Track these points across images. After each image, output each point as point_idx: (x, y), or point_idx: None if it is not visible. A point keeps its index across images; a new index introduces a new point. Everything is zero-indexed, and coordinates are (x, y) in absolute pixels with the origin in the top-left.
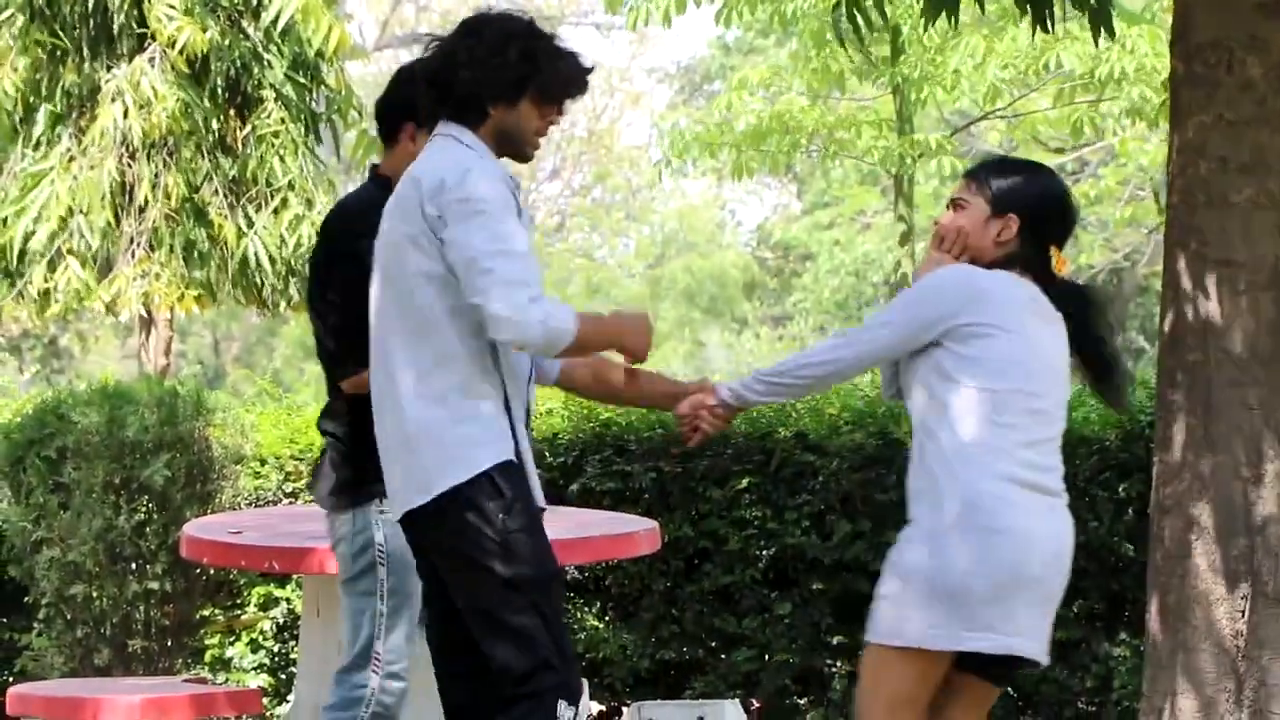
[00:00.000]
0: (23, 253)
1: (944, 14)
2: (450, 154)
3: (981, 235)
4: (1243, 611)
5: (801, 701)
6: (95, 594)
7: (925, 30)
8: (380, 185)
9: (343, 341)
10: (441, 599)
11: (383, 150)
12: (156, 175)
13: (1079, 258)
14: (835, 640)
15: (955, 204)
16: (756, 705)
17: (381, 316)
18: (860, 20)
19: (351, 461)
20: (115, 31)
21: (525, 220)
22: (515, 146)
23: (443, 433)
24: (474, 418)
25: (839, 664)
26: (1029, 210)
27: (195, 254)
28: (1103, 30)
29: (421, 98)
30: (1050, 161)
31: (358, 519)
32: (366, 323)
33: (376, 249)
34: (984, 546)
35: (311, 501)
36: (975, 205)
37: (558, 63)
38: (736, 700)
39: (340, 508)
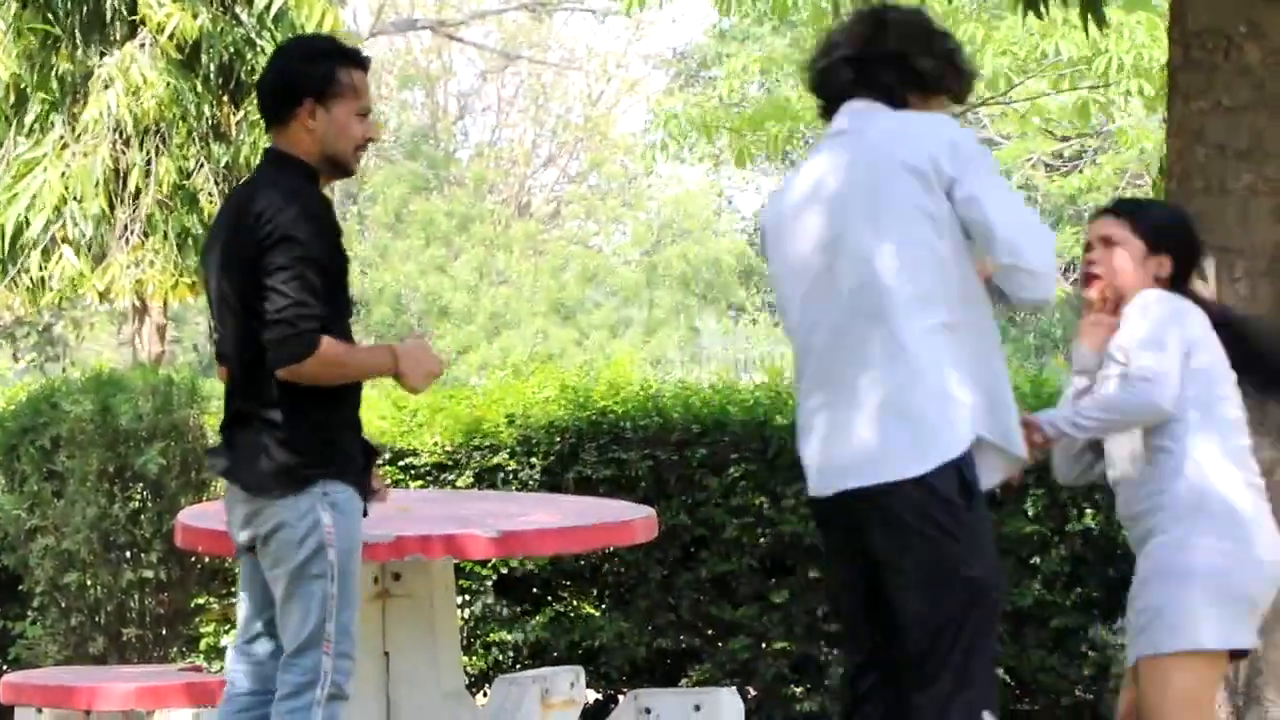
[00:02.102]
0: (16, 240)
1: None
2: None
3: (1137, 277)
4: None
5: (798, 690)
6: (89, 582)
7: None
8: (292, 169)
9: (284, 324)
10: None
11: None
12: (149, 162)
13: (1074, 248)
14: (832, 628)
15: (1105, 241)
16: (753, 693)
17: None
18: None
19: (290, 446)
20: (107, 18)
21: None
22: None
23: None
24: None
25: (836, 652)
26: (1176, 244)
27: (189, 241)
28: (1091, 17)
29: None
30: (1052, 148)
31: (300, 503)
32: (308, 307)
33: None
34: (1244, 546)
35: None
36: (1131, 244)
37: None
38: (733, 688)
39: (278, 494)
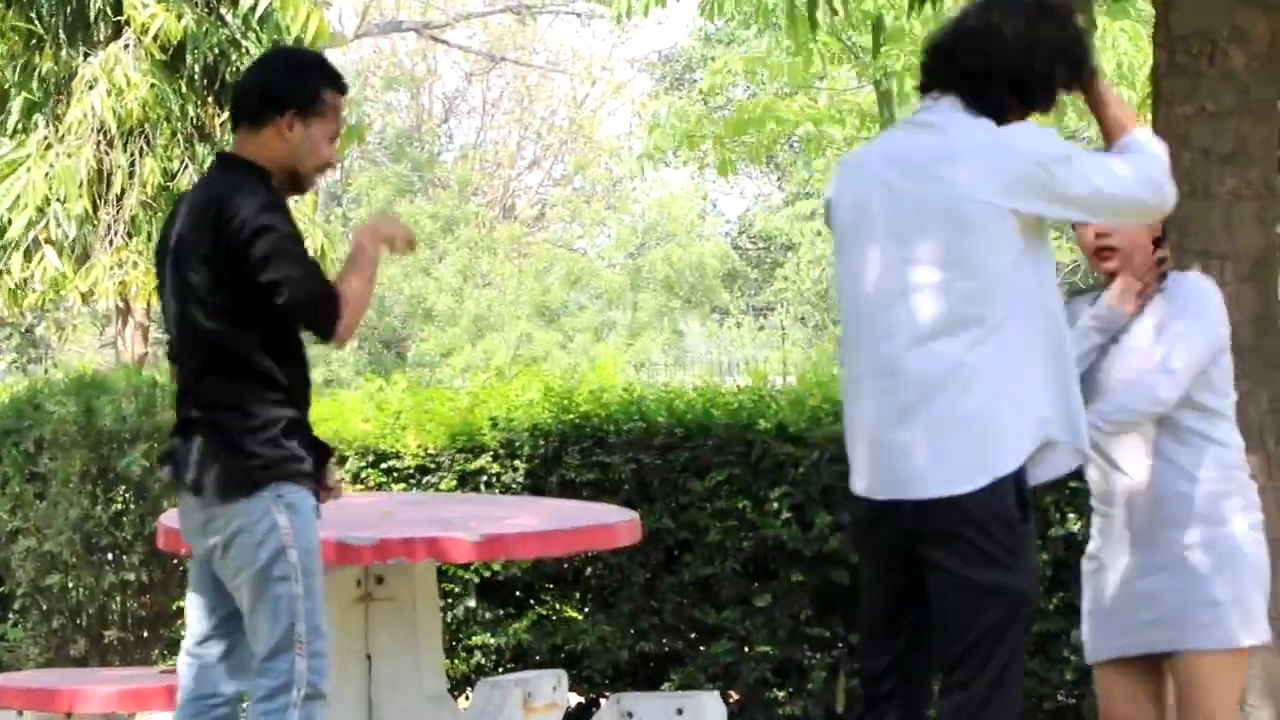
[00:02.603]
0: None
1: (929, 2)
2: None
3: (1144, 231)
4: None
5: (780, 694)
6: (71, 584)
7: (908, 18)
8: (247, 171)
9: (307, 303)
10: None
11: (247, 134)
12: (133, 163)
13: (1055, 253)
14: (815, 632)
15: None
16: (736, 697)
17: None
18: (837, 5)
19: (240, 450)
20: (91, 18)
21: None
22: None
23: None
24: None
25: (819, 656)
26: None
27: None
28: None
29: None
30: None
31: (255, 507)
32: (310, 271)
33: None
34: (1261, 542)
35: None
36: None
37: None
38: (716, 692)
39: (231, 498)
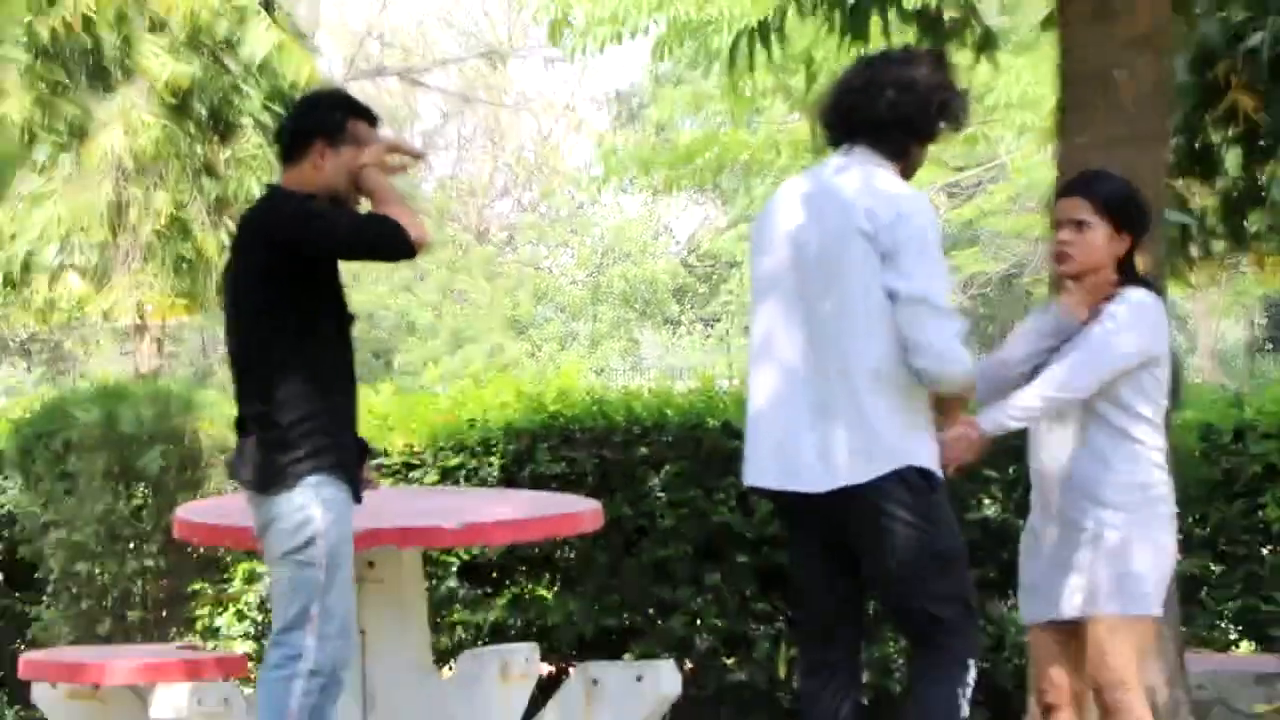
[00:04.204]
0: (27, 266)
1: (856, 43)
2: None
3: (1105, 254)
4: None
5: (729, 661)
6: (97, 570)
7: (839, 58)
8: (285, 193)
9: (378, 241)
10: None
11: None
12: (147, 196)
13: (971, 266)
14: (759, 607)
15: (1074, 224)
16: (690, 665)
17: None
18: (761, 49)
19: (283, 445)
20: (109, 67)
21: None
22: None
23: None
24: None
25: (763, 628)
26: (1136, 225)
27: (183, 266)
28: (987, 59)
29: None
30: (949, 179)
31: (294, 499)
32: (361, 219)
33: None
34: (1168, 528)
35: None
36: (1099, 226)
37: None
38: (672, 661)
39: (273, 490)
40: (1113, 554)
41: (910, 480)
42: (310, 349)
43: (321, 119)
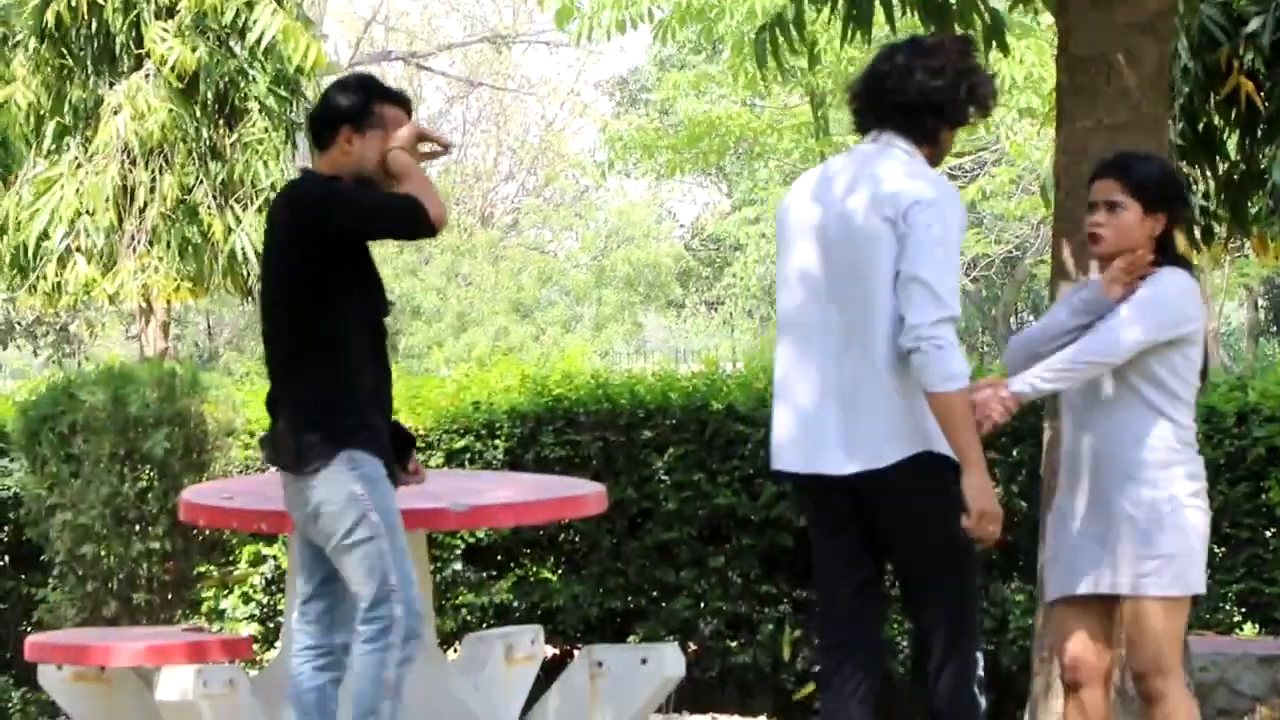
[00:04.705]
0: (36, 250)
1: (859, 33)
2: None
3: (1138, 235)
4: None
5: (733, 644)
6: (103, 553)
7: (843, 46)
8: (312, 176)
9: (401, 219)
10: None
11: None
12: (154, 180)
13: (973, 248)
14: (763, 590)
15: (1108, 205)
16: (693, 648)
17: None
18: (782, 40)
19: (312, 425)
20: (116, 51)
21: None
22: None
23: None
24: None
25: (766, 610)
26: (1171, 204)
27: (189, 250)
28: (995, 44)
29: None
30: (951, 162)
31: (332, 479)
32: (381, 199)
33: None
34: (1201, 507)
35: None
36: (1131, 207)
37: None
38: (675, 643)
39: (310, 470)
40: (1145, 534)
41: (931, 465)
42: (337, 330)
43: (346, 104)
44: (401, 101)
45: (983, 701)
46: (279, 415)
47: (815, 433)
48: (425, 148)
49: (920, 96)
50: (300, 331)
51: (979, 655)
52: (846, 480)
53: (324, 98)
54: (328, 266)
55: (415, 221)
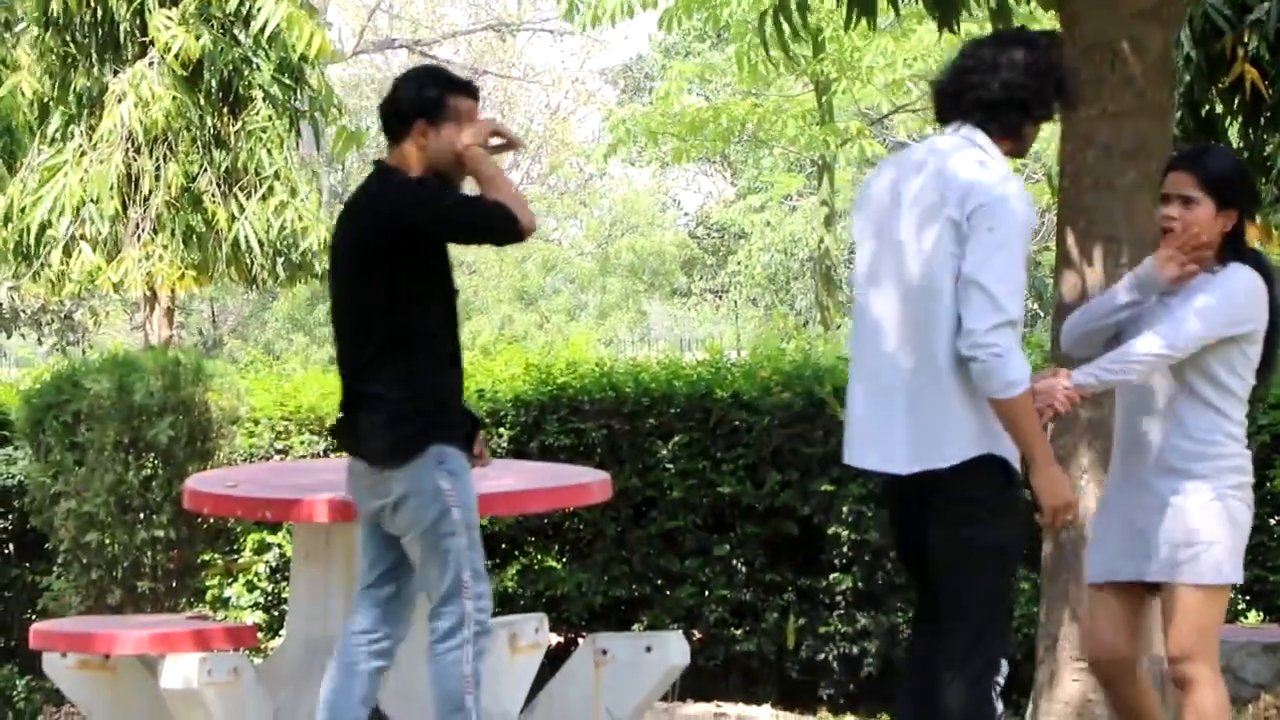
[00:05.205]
0: (40, 238)
1: (864, 19)
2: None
3: (1212, 231)
4: None
5: (737, 632)
6: (108, 541)
7: (847, 32)
8: (400, 172)
9: (492, 224)
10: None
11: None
12: (158, 168)
13: None
14: (767, 578)
15: (1182, 200)
16: (698, 636)
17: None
18: (786, 27)
19: (403, 420)
20: (120, 39)
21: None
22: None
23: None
24: None
25: (771, 598)
26: (1243, 200)
27: (193, 238)
28: (1002, 26)
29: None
30: None
31: (419, 473)
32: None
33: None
34: (1244, 500)
35: (302, 456)
36: (1205, 203)
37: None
38: (680, 631)
39: (397, 463)
40: (1188, 524)
41: (988, 470)
42: (423, 326)
43: (420, 98)
44: (473, 93)
45: (999, 706)
46: (361, 409)
47: (881, 429)
48: (496, 141)
49: (1005, 92)
50: (386, 328)
51: (1004, 663)
52: (909, 480)
53: (396, 90)
54: (414, 265)
55: (506, 229)
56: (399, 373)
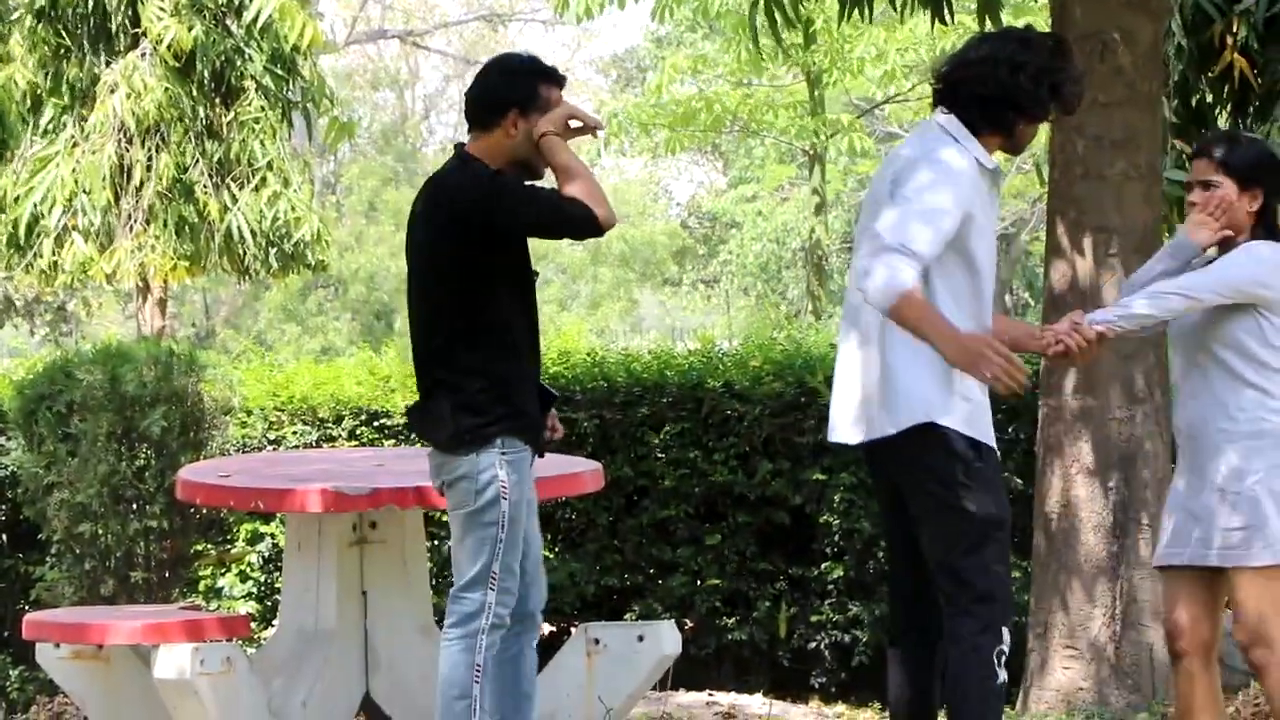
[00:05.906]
0: (32, 228)
1: (858, 11)
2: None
3: (1238, 210)
4: (1116, 536)
5: (729, 621)
6: (101, 531)
7: (840, 24)
8: (478, 166)
9: (571, 221)
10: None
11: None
12: (150, 159)
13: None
14: (759, 567)
15: (1205, 185)
16: (690, 625)
17: None
18: (777, 16)
19: (473, 409)
20: (112, 30)
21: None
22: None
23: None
24: None
25: (763, 587)
26: (1267, 179)
27: (185, 228)
28: (989, 19)
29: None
30: None
31: (482, 459)
32: (553, 198)
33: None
34: None
35: (294, 446)
36: (1226, 185)
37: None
38: (672, 621)
39: (463, 450)
40: (1239, 504)
41: (939, 436)
42: (498, 315)
43: (515, 88)
44: (561, 82)
45: (1002, 675)
46: (434, 397)
47: (841, 404)
48: (574, 125)
49: (999, 89)
50: (462, 317)
51: (1005, 631)
52: (874, 454)
53: (488, 79)
54: (493, 256)
55: (586, 225)
56: (474, 362)
